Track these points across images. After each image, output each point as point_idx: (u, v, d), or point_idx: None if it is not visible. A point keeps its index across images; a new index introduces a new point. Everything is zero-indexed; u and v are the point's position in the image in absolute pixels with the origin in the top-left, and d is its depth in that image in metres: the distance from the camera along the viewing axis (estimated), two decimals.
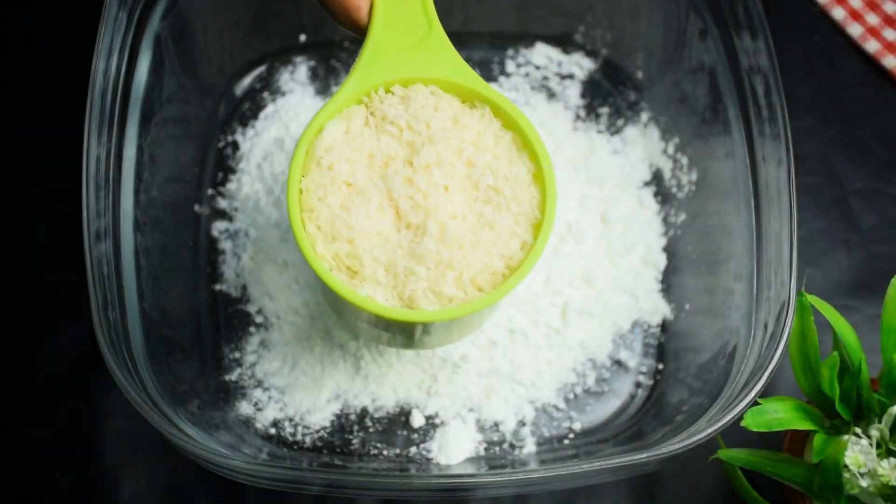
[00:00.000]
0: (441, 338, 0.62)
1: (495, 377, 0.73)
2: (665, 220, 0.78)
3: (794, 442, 0.67)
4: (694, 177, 0.76)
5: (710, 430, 0.60)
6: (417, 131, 0.57)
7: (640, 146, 0.80)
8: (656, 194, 0.79)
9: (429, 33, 0.58)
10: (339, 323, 0.72)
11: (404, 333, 0.61)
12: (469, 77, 0.58)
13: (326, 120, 0.57)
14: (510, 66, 0.82)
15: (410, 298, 0.55)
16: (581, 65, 0.82)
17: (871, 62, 0.84)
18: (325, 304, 0.72)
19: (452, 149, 0.57)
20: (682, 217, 0.77)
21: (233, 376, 0.73)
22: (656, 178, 0.79)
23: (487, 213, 0.56)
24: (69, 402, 0.73)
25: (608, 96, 0.82)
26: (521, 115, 0.58)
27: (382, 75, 0.58)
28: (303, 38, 0.82)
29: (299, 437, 0.72)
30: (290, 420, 0.72)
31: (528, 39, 0.83)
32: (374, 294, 0.55)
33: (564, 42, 0.83)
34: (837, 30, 0.85)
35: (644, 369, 0.75)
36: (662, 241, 0.77)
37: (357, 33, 0.59)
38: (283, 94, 0.81)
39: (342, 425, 0.72)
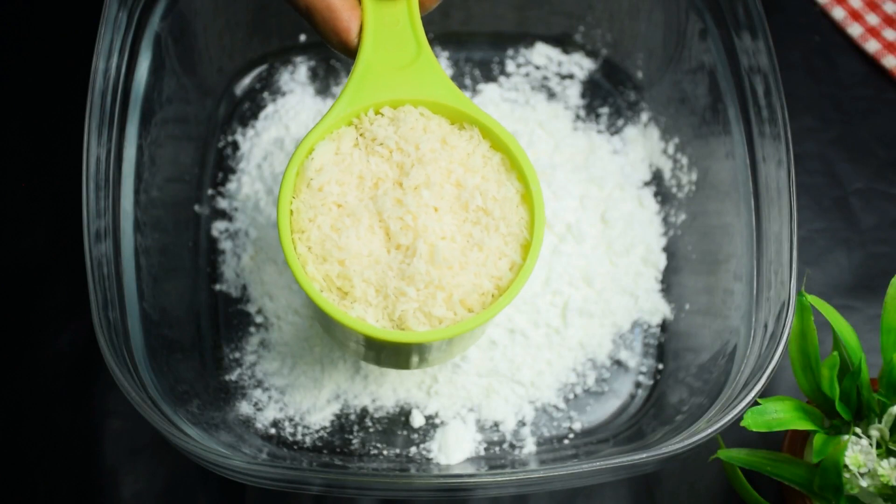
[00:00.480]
0: (432, 357, 0.62)
1: (495, 377, 0.73)
2: (665, 220, 0.78)
3: (794, 442, 0.67)
4: (694, 177, 0.76)
5: (710, 430, 0.60)
6: (407, 152, 0.57)
7: (640, 146, 0.80)
8: (656, 194, 0.79)
9: (418, 55, 0.59)
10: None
11: (395, 354, 0.61)
12: (458, 99, 0.58)
13: (316, 141, 0.57)
14: (510, 66, 0.82)
15: (401, 319, 0.56)
16: (581, 65, 0.82)
17: (871, 62, 0.84)
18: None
19: (442, 170, 0.57)
20: (682, 217, 0.77)
21: (233, 376, 0.73)
22: (656, 178, 0.79)
23: (476, 233, 0.57)
24: (69, 402, 0.73)
25: (608, 96, 0.82)
26: (510, 137, 0.58)
27: (372, 97, 0.58)
28: (303, 38, 0.82)
29: (299, 437, 0.72)
30: (290, 420, 0.72)
31: (528, 39, 0.83)
32: (364, 315, 0.55)
33: (564, 42, 0.83)
34: (837, 30, 0.85)
35: (644, 369, 0.75)
36: (662, 241, 0.77)
37: (347, 55, 0.59)
38: (283, 94, 0.81)
39: (342, 425, 0.72)
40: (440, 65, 0.59)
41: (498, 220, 0.57)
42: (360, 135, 0.58)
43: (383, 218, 0.56)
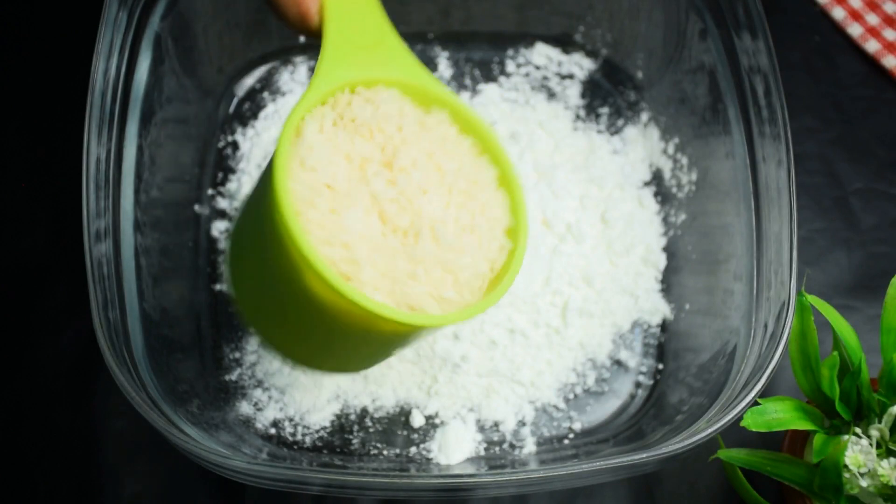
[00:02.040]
0: (399, 350, 0.61)
1: (495, 377, 0.73)
2: (665, 220, 0.78)
3: (794, 442, 0.67)
4: (694, 177, 0.76)
5: (710, 430, 0.60)
6: (389, 134, 0.56)
7: (640, 146, 0.80)
8: (656, 194, 0.79)
9: (381, 35, 0.58)
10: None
11: (384, 343, 0.59)
12: (426, 79, 0.57)
13: (299, 120, 0.55)
14: (510, 66, 0.82)
15: (409, 303, 0.54)
16: (581, 65, 0.82)
17: (871, 62, 0.84)
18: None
19: (424, 152, 0.56)
20: (682, 217, 0.77)
21: (233, 376, 0.73)
22: (656, 178, 0.79)
23: (464, 217, 0.56)
24: (69, 402, 0.73)
25: (608, 96, 0.82)
26: (478, 119, 0.57)
27: (346, 75, 0.57)
28: (303, 38, 0.82)
29: (299, 437, 0.72)
30: (290, 420, 0.72)
31: (528, 39, 0.83)
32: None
33: (564, 42, 0.83)
34: (837, 30, 0.85)
35: (644, 369, 0.75)
36: (662, 241, 0.77)
37: (307, 34, 0.58)
38: (283, 94, 0.81)
39: (342, 425, 0.72)
40: (408, 47, 0.58)
41: (483, 204, 0.56)
42: (339, 115, 0.57)
43: (378, 200, 0.54)
